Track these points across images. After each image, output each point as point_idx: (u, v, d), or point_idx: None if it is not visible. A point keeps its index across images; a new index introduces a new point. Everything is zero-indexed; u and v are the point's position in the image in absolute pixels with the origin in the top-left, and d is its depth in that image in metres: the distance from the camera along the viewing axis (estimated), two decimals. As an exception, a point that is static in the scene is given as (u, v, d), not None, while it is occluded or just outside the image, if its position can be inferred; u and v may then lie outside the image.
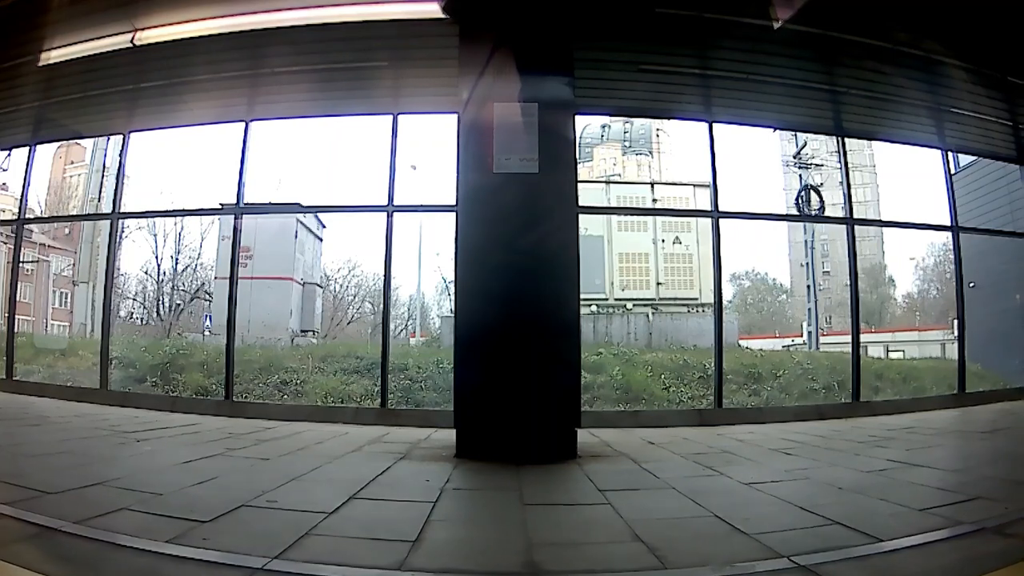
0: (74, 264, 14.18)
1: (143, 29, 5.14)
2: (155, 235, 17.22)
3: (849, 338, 6.64)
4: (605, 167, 26.55)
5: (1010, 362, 7.97)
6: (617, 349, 9.34)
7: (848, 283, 6.85)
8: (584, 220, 5.58)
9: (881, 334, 17.13)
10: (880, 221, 9.26)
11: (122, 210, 6.71)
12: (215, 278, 12.58)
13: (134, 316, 17.02)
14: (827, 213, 12.24)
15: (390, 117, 5.90)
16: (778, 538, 1.78)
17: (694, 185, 12.11)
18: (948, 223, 6.94)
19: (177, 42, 5.17)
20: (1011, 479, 2.68)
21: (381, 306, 7.95)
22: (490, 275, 3.63)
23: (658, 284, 11.81)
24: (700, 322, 10.65)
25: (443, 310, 16.86)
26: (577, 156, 4.29)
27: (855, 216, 6.82)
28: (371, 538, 1.83)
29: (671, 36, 5.18)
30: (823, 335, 14.58)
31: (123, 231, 14.86)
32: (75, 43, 5.25)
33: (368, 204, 6.27)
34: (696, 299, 11.60)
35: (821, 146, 14.05)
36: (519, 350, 3.54)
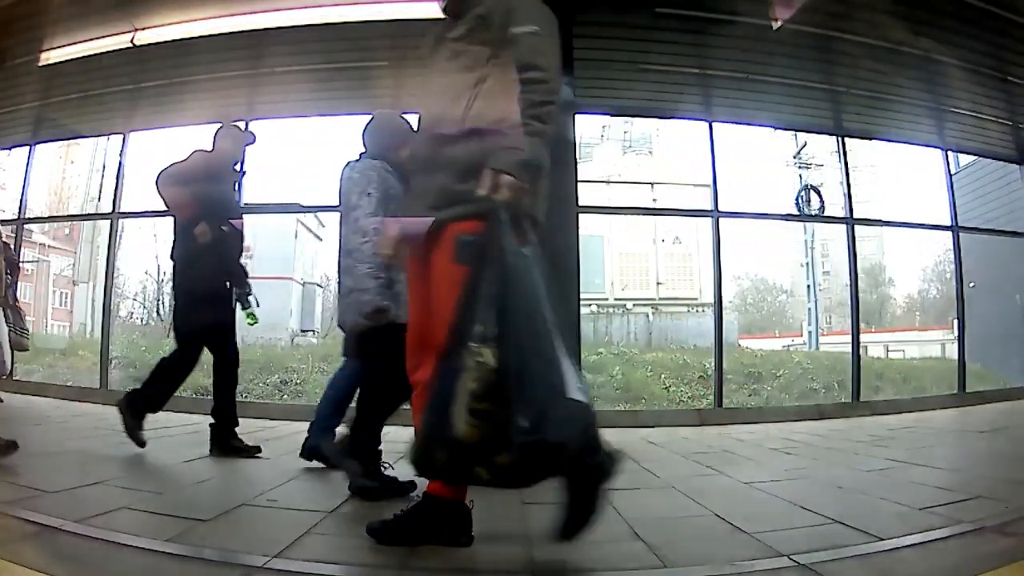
0: (74, 264, 14.17)
1: (143, 29, 5.15)
2: (155, 235, 17.22)
3: (849, 338, 6.64)
4: (605, 167, 26.50)
5: (1010, 362, 7.97)
6: (617, 349, 9.35)
7: (848, 283, 6.84)
8: (584, 220, 5.57)
9: (881, 334, 17.11)
10: (880, 221, 9.21)
11: (122, 210, 6.68)
12: (215, 278, 12.55)
13: (134, 316, 17.00)
14: (827, 213, 12.22)
15: (390, 117, 5.89)
16: (778, 537, 1.77)
17: (694, 185, 12.13)
18: (948, 223, 6.94)
19: (177, 42, 5.18)
20: (1011, 478, 2.67)
21: (381, 306, 7.92)
22: (490, 274, 3.61)
23: (658, 284, 11.83)
24: (700, 322, 10.68)
25: (443, 310, 16.82)
26: (577, 156, 4.28)
27: (855, 216, 6.81)
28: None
29: (671, 36, 5.19)
30: (823, 335, 14.57)
31: (123, 231, 14.83)
32: (75, 43, 5.25)
33: (368, 204, 6.25)
34: (696, 299, 11.63)
35: (821, 146, 14.03)
36: (519, 349, 3.53)
